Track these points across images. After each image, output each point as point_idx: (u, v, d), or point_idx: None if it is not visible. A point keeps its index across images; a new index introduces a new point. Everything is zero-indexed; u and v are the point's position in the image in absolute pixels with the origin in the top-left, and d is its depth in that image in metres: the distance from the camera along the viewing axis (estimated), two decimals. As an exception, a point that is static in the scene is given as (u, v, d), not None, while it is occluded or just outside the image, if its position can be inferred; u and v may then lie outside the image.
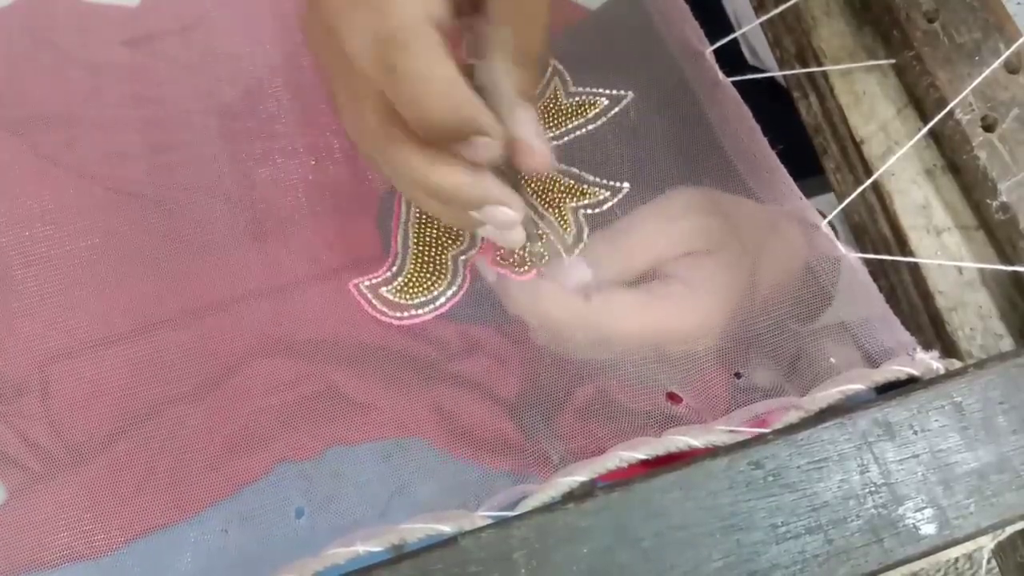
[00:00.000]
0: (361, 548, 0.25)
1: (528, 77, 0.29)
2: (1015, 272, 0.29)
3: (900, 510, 0.24)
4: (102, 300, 0.35)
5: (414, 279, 0.35)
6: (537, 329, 0.34)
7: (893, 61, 0.33)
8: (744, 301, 0.33)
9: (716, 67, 0.33)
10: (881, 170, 0.31)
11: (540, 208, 0.36)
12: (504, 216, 0.29)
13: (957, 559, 0.31)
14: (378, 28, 0.25)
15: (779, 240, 0.33)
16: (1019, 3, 0.33)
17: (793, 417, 0.26)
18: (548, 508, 0.24)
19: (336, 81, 0.30)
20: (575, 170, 0.37)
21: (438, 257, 0.36)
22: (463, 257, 0.36)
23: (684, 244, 0.35)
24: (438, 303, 0.35)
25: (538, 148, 0.29)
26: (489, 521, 0.24)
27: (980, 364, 0.26)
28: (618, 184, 0.36)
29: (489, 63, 0.28)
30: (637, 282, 0.35)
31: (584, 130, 0.38)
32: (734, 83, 0.33)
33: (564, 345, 0.34)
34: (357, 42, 0.26)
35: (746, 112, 0.32)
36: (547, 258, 0.35)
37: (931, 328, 0.30)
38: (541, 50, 0.29)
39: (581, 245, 0.35)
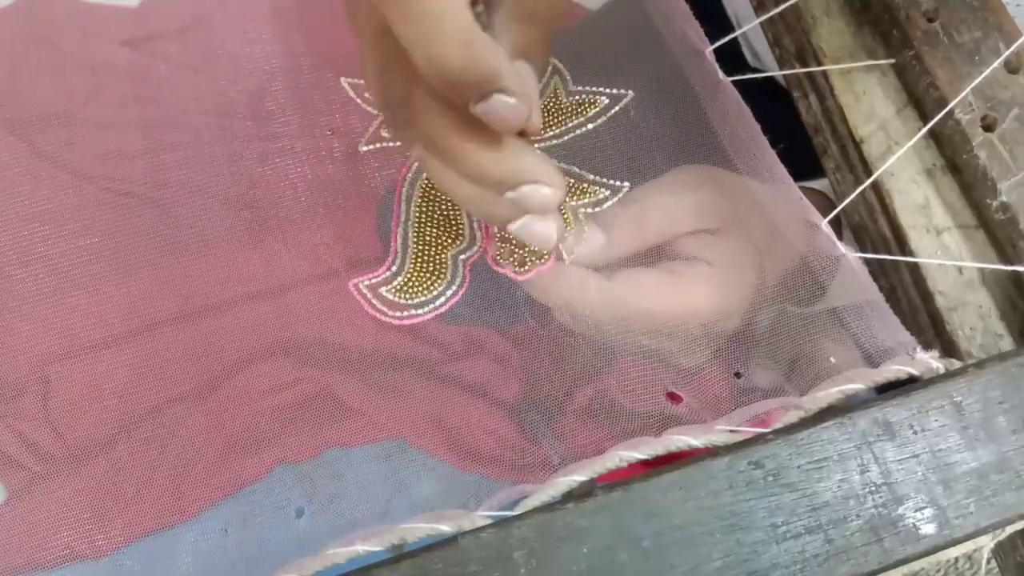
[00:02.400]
0: (361, 548, 0.25)
1: (533, 36, 0.27)
2: (1015, 272, 0.29)
3: (900, 510, 0.24)
4: (101, 300, 0.35)
5: (414, 279, 0.35)
6: (563, 312, 0.33)
7: (893, 61, 0.33)
8: (760, 285, 0.33)
9: (716, 66, 0.33)
10: (881, 170, 0.31)
11: None
12: (542, 197, 0.27)
13: (957, 559, 0.31)
14: None
15: (780, 232, 0.33)
16: (1019, 4, 0.33)
17: (793, 417, 0.26)
18: (548, 508, 0.24)
19: (366, 51, 0.28)
20: (575, 169, 0.37)
21: (438, 256, 0.36)
22: (463, 256, 0.36)
23: (696, 218, 0.34)
24: (438, 303, 0.35)
25: (523, 105, 0.25)
26: (489, 521, 0.24)
27: (980, 364, 0.26)
28: (618, 183, 0.36)
29: (490, 21, 0.26)
30: (653, 259, 0.34)
31: (584, 129, 0.38)
32: (734, 83, 0.33)
33: (590, 327, 0.33)
34: None
35: (746, 112, 0.32)
36: (546, 258, 0.35)
37: (931, 328, 0.30)
38: (552, 10, 0.28)
39: (581, 244, 0.35)
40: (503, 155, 0.26)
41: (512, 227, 0.28)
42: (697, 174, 0.35)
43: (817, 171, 0.35)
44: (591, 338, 0.34)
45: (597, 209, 0.36)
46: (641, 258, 0.34)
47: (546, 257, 0.35)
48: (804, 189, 0.31)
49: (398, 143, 0.38)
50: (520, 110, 0.25)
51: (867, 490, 0.24)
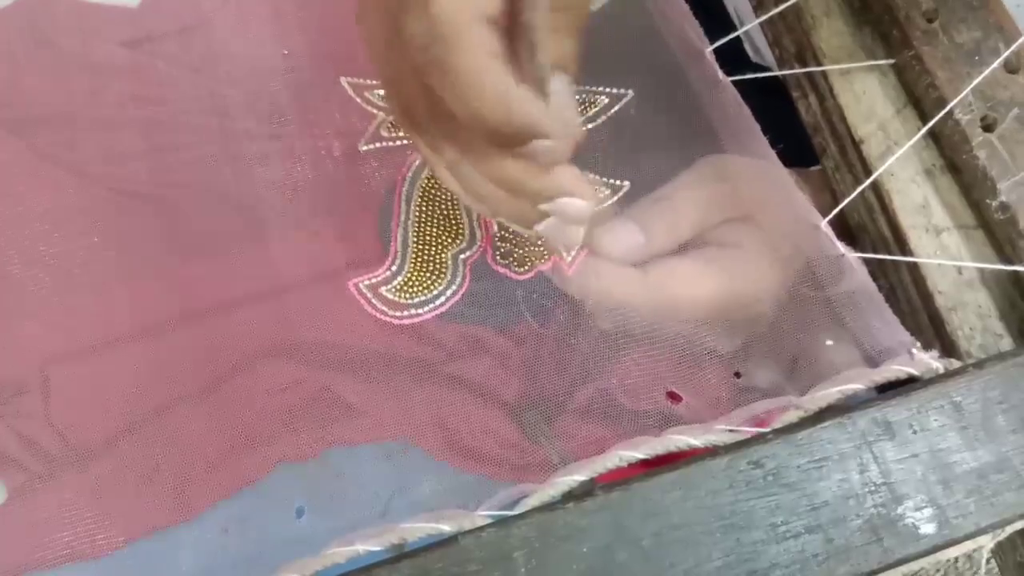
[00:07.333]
0: (361, 547, 0.25)
1: (568, 47, 0.28)
2: (1014, 272, 0.29)
3: (900, 509, 0.24)
4: (102, 300, 0.35)
5: (414, 278, 0.35)
6: (599, 309, 0.34)
7: (892, 61, 0.33)
8: (787, 268, 0.33)
9: (716, 66, 0.33)
10: (880, 170, 0.31)
11: None
12: (576, 209, 0.28)
13: (956, 558, 0.31)
14: (428, 27, 0.25)
15: (799, 218, 0.33)
16: (1019, 4, 0.33)
17: (793, 416, 0.26)
18: (548, 507, 0.24)
19: (408, 78, 0.29)
20: (575, 168, 0.37)
21: (438, 256, 0.36)
22: (463, 256, 0.36)
23: (724, 208, 0.34)
24: (438, 302, 0.35)
25: (561, 144, 0.28)
26: (489, 520, 0.24)
27: (979, 364, 0.26)
28: (618, 182, 0.36)
29: (523, 33, 0.27)
30: (685, 250, 0.34)
31: (584, 128, 0.38)
32: (734, 82, 0.33)
33: (629, 320, 0.33)
34: (415, 44, 0.26)
35: (746, 111, 0.32)
36: (547, 258, 0.35)
37: (930, 328, 0.30)
38: (582, 14, 0.29)
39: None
40: (545, 173, 0.28)
41: (540, 227, 0.30)
42: (720, 164, 0.35)
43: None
44: (608, 333, 0.33)
45: (597, 208, 0.36)
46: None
47: (546, 258, 0.35)
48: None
49: (398, 143, 0.38)
50: (558, 149, 0.27)
51: (867, 490, 0.24)
